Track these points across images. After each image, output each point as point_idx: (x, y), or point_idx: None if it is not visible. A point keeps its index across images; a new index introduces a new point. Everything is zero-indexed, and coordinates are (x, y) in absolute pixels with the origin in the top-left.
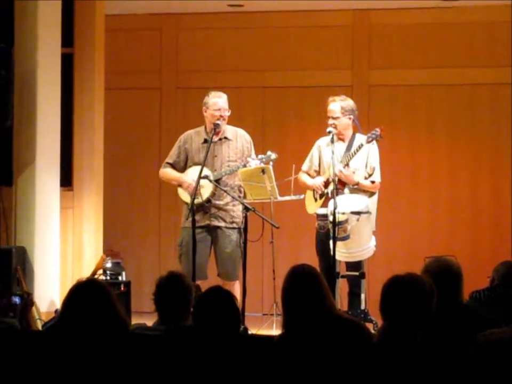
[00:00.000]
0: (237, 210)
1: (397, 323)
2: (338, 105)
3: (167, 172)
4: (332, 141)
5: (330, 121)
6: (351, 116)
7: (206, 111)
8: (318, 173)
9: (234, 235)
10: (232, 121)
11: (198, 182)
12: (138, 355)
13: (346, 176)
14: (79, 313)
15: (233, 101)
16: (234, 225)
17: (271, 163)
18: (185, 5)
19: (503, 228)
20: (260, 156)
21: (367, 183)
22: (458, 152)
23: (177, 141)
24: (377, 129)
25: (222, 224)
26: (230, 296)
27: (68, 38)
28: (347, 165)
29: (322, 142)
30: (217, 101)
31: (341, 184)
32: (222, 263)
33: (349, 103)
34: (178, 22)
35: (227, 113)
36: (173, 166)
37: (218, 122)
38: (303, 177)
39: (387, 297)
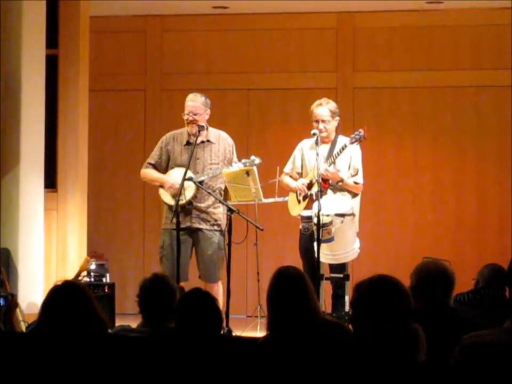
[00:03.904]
0: (218, 213)
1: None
2: (326, 109)
3: (149, 173)
4: (317, 143)
5: (320, 126)
6: (338, 118)
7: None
8: (301, 175)
9: (215, 237)
10: (216, 123)
11: (182, 184)
12: (122, 357)
13: (332, 173)
14: (57, 315)
15: (218, 103)
16: (216, 227)
17: (254, 167)
18: (169, 6)
19: (488, 229)
20: (243, 160)
21: (350, 181)
22: (443, 154)
23: (159, 142)
24: (361, 130)
25: (203, 226)
26: (210, 297)
27: (52, 39)
28: (333, 162)
29: (305, 144)
30: (188, 104)
31: (324, 186)
32: (203, 265)
33: (334, 105)
34: (163, 24)
35: (197, 117)
36: (154, 166)
37: (202, 124)
38: (286, 180)
39: (361, 299)
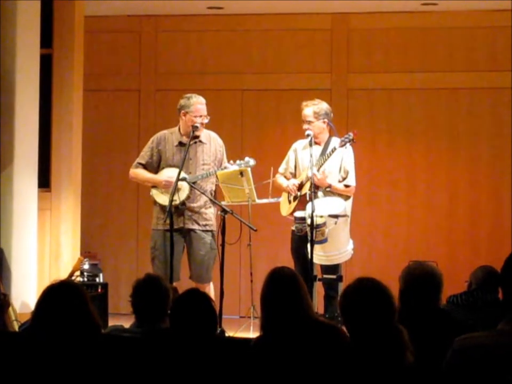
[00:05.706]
0: (209, 213)
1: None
2: (311, 110)
3: (140, 173)
4: (310, 144)
5: (305, 126)
6: (325, 120)
7: (185, 115)
8: (294, 175)
9: (207, 238)
10: (211, 123)
11: (176, 184)
12: (114, 357)
13: (320, 179)
14: (51, 315)
15: (212, 104)
16: (208, 227)
17: (249, 169)
18: (164, 7)
19: (480, 232)
20: (238, 162)
21: (340, 186)
22: (437, 156)
23: (150, 142)
24: (350, 133)
25: (195, 227)
26: (207, 298)
27: (46, 39)
28: (321, 166)
29: (299, 144)
30: (200, 108)
31: (315, 187)
32: (195, 265)
33: (322, 107)
34: (158, 24)
35: (206, 120)
36: (144, 166)
37: (197, 125)
38: (279, 180)
39: (347, 301)
